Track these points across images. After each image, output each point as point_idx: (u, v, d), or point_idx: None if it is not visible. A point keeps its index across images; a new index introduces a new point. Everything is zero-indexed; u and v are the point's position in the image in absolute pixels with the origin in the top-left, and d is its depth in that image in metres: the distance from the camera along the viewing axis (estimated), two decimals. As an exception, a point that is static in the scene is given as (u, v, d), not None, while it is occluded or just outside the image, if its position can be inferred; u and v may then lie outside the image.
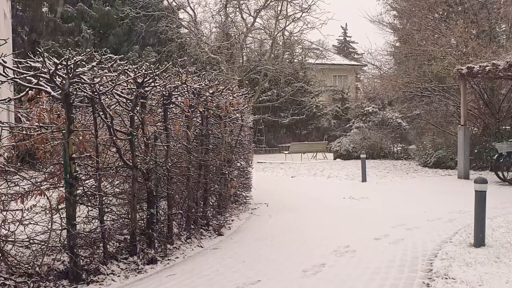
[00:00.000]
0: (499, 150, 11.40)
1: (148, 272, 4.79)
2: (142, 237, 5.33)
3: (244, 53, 25.77)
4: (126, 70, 4.93)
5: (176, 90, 5.78)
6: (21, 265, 4.17)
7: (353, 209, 8.41)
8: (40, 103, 4.64)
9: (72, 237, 4.30)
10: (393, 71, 20.58)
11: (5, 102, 4.17)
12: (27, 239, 4.19)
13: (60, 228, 4.34)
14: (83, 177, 4.68)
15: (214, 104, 7.13)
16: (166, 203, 5.87)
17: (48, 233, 4.25)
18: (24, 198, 4.25)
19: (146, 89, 5.16)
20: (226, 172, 7.73)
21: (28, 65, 4.21)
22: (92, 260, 4.67)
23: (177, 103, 6.05)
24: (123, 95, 5.02)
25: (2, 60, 3.77)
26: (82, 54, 4.36)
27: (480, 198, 5.50)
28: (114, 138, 4.80)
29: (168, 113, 5.83)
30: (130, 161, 5.00)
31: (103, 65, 4.68)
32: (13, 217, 4.13)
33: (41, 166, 4.86)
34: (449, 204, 8.60)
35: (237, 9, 24.42)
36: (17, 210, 4.15)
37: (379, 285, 4.30)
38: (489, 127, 15.02)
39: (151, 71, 5.07)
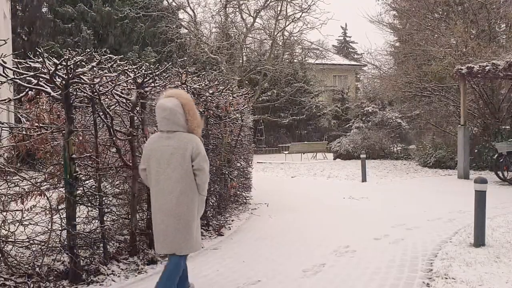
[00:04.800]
0: (499, 150, 11.40)
1: (148, 272, 4.79)
2: (142, 237, 5.32)
3: (244, 53, 25.76)
4: (126, 71, 4.93)
5: (176, 90, 5.78)
6: (21, 265, 4.16)
7: (353, 209, 8.41)
8: (39, 103, 4.64)
9: (72, 238, 4.30)
10: (393, 71, 20.57)
11: (5, 102, 4.17)
12: (27, 240, 4.19)
13: (60, 228, 4.34)
14: (83, 178, 4.67)
15: (214, 104, 7.12)
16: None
17: (48, 234, 4.25)
18: (24, 199, 4.24)
19: (146, 89, 5.16)
20: (226, 172, 7.73)
21: (28, 65, 4.21)
22: (92, 260, 4.67)
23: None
24: (123, 95, 5.02)
25: (2, 60, 3.77)
26: (81, 55, 4.36)
27: (480, 198, 5.49)
28: (114, 138, 4.80)
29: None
30: (130, 161, 5.00)
31: (103, 66, 4.68)
32: (13, 217, 4.12)
33: (41, 167, 4.86)
34: (449, 204, 8.60)
35: (237, 10, 24.41)
36: (17, 210, 4.14)
37: (379, 285, 4.30)
38: (489, 127, 15.02)
39: (151, 72, 5.07)
